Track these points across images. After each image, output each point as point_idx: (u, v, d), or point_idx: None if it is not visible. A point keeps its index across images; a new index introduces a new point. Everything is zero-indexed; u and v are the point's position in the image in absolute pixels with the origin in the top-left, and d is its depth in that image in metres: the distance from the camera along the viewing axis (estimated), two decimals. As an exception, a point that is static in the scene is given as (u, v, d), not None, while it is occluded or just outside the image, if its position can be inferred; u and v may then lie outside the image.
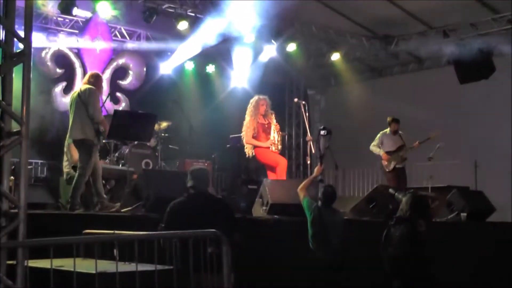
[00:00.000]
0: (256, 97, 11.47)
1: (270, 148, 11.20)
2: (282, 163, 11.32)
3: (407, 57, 18.24)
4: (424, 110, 16.66)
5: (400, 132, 13.50)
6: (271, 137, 11.22)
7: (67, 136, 10.70)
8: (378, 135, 13.49)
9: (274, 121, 11.41)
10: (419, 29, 16.48)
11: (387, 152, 13.33)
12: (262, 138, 11.23)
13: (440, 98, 16.81)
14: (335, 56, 17.38)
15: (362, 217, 10.66)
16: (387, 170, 13.39)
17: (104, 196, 9.71)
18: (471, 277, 10.37)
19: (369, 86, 18.80)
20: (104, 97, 10.09)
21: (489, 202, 12.26)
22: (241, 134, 11.45)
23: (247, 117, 11.32)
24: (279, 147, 11.34)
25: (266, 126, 11.32)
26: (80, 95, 9.70)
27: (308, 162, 11.83)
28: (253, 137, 11.20)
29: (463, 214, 11.50)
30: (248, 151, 11.35)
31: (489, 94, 15.61)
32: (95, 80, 9.93)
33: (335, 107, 19.71)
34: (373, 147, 13.53)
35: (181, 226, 5.90)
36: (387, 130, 13.48)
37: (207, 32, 14.95)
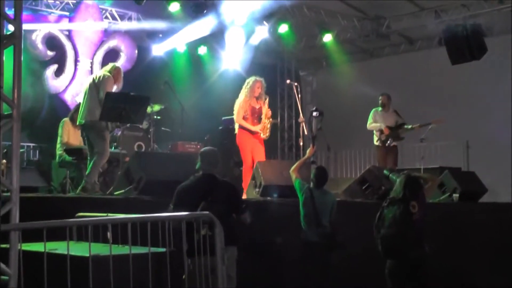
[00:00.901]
0: (252, 78, 11.25)
1: (259, 134, 10.99)
2: (248, 162, 10.93)
3: (399, 38, 18.23)
4: (415, 91, 16.69)
5: (395, 110, 13.32)
6: (259, 125, 11.02)
7: (70, 115, 11.08)
8: (371, 113, 13.31)
9: (267, 106, 11.21)
10: (411, 10, 16.46)
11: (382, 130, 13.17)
12: (250, 121, 11.03)
13: (432, 79, 16.82)
14: (327, 38, 17.35)
15: (355, 198, 10.67)
16: (385, 144, 13.07)
17: (96, 182, 9.67)
18: (463, 259, 10.43)
19: (360, 67, 18.81)
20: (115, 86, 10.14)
21: (481, 183, 12.30)
22: (233, 112, 11.24)
23: (241, 97, 11.13)
24: (268, 133, 11.12)
25: (257, 109, 11.13)
26: (95, 79, 9.80)
27: (301, 143, 11.83)
28: (243, 118, 11.03)
29: (455, 195, 11.54)
30: (237, 129, 11.19)
31: (480, 75, 15.62)
32: (115, 71, 10.02)
33: (327, 88, 19.72)
34: (371, 125, 13.21)
35: (187, 208, 5.93)
36: (379, 107, 13.34)
37: (202, 21, 15.00)
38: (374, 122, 13.17)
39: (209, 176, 6.85)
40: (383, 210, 7.45)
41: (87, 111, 9.58)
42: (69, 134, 11.17)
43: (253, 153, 10.96)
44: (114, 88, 10.02)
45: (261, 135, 11.02)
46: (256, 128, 10.98)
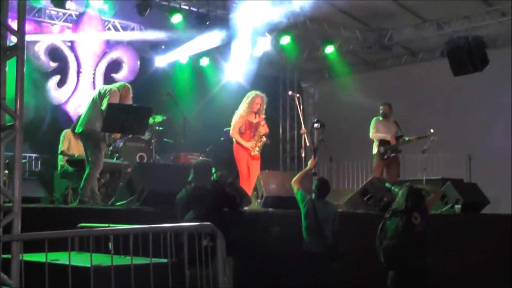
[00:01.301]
0: (253, 93, 11.14)
1: (250, 152, 10.86)
2: (244, 173, 10.85)
3: (401, 50, 18.26)
4: (417, 103, 16.70)
5: (395, 121, 13.28)
6: (252, 142, 10.90)
7: (72, 126, 11.02)
8: (372, 122, 13.19)
9: (263, 122, 11.05)
10: (413, 21, 16.49)
11: (384, 140, 13.08)
12: (246, 135, 10.93)
13: (434, 90, 16.84)
14: (329, 49, 17.39)
15: (357, 209, 10.66)
16: (383, 157, 12.99)
17: (97, 192, 9.67)
18: (465, 270, 10.41)
19: (363, 79, 18.82)
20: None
21: (483, 194, 12.30)
22: (231, 124, 11.12)
23: (239, 111, 11.04)
24: (256, 152, 10.91)
25: (255, 124, 11.00)
26: (101, 91, 9.81)
27: (303, 155, 11.82)
28: (239, 132, 10.93)
29: (457, 207, 11.53)
30: (234, 141, 11.08)
31: (483, 87, 15.63)
32: (123, 89, 9.99)
33: (329, 100, 19.74)
34: (375, 134, 13.09)
35: (181, 220, 5.99)
36: (379, 117, 13.27)
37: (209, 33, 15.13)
38: (377, 132, 13.11)
39: (200, 188, 6.92)
40: (386, 222, 7.47)
41: (87, 120, 9.58)
42: (70, 144, 11.21)
43: (248, 165, 10.91)
44: None
45: (250, 152, 10.89)
46: (248, 144, 10.88)
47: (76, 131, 10.12)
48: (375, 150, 13.09)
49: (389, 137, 12.94)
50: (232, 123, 11.04)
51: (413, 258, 7.29)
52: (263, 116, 11.11)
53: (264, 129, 11.03)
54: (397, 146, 12.95)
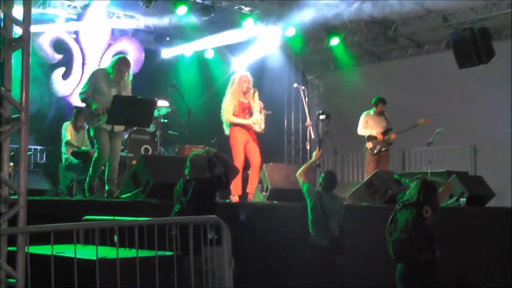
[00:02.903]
0: (237, 73, 10.77)
1: (253, 128, 10.31)
2: (240, 161, 10.18)
3: (406, 42, 18.20)
4: (422, 95, 16.65)
5: (385, 113, 13.20)
6: (253, 117, 10.36)
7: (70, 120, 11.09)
8: (362, 117, 13.15)
9: (257, 99, 10.52)
10: (419, 13, 16.43)
11: (372, 136, 12.98)
12: (240, 117, 10.39)
13: (439, 82, 16.80)
14: (334, 41, 17.35)
15: (362, 202, 10.65)
16: (372, 153, 12.94)
17: (114, 182, 9.62)
18: (470, 263, 10.41)
19: (368, 70, 18.80)
20: None
21: (488, 187, 12.27)
22: (221, 112, 10.54)
23: (228, 95, 10.54)
24: (262, 126, 10.42)
25: (246, 104, 10.49)
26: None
27: (308, 147, 11.77)
28: (233, 115, 10.38)
29: (462, 200, 11.51)
30: (228, 129, 10.52)
31: (488, 79, 15.58)
32: (118, 64, 9.66)
33: (334, 92, 19.69)
34: (362, 130, 13.07)
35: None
36: (371, 111, 13.15)
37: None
38: (366, 127, 13.06)
39: (191, 180, 6.99)
40: (396, 214, 7.45)
41: None
42: (72, 136, 11.29)
43: (247, 150, 10.33)
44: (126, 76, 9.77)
45: (255, 127, 10.33)
46: (249, 121, 10.33)
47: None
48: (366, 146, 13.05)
49: (375, 132, 12.90)
50: (223, 109, 10.47)
51: (423, 251, 7.29)
52: (255, 93, 10.55)
53: (259, 103, 10.50)
54: (385, 140, 12.87)
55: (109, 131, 9.44)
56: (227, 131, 10.47)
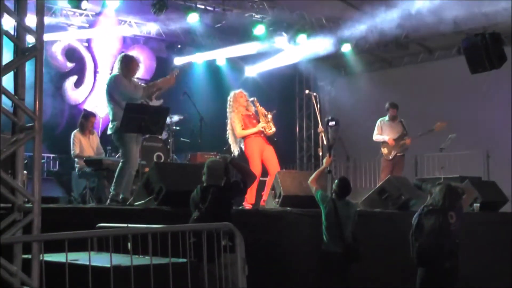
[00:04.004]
0: (231, 93, 10.95)
1: (265, 131, 10.59)
2: (258, 170, 10.32)
3: (417, 48, 18.18)
4: (434, 101, 16.62)
5: (401, 120, 13.33)
6: (261, 123, 10.65)
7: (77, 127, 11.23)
8: (377, 123, 13.37)
9: (258, 105, 10.84)
10: (429, 19, 16.39)
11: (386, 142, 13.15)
12: (250, 128, 10.66)
13: (451, 88, 16.76)
14: (346, 47, 17.34)
15: (374, 208, 10.63)
16: (387, 159, 13.11)
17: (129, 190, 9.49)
18: (483, 268, 10.36)
19: (379, 76, 18.78)
20: None
21: (502, 192, 12.25)
22: (227, 134, 10.78)
23: (230, 115, 10.75)
24: (273, 128, 10.68)
25: (251, 115, 10.81)
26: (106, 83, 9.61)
27: (320, 153, 11.76)
28: (243, 128, 10.65)
29: (476, 205, 11.49)
30: (233, 147, 10.75)
31: (500, 84, 15.53)
32: (122, 64, 9.55)
33: (345, 98, 19.66)
34: (377, 136, 13.28)
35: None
36: (385, 117, 13.32)
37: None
38: (381, 133, 13.19)
39: (209, 187, 6.98)
40: (421, 218, 7.45)
41: (111, 120, 9.43)
42: (81, 145, 11.19)
43: (264, 159, 10.61)
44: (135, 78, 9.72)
45: (267, 130, 10.62)
46: (259, 126, 10.62)
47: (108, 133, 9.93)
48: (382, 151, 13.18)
49: (388, 138, 12.99)
50: (231, 127, 10.72)
51: (446, 257, 7.31)
52: (255, 102, 10.84)
53: (262, 109, 10.82)
54: (400, 144, 12.97)
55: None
56: (243, 145, 10.69)
